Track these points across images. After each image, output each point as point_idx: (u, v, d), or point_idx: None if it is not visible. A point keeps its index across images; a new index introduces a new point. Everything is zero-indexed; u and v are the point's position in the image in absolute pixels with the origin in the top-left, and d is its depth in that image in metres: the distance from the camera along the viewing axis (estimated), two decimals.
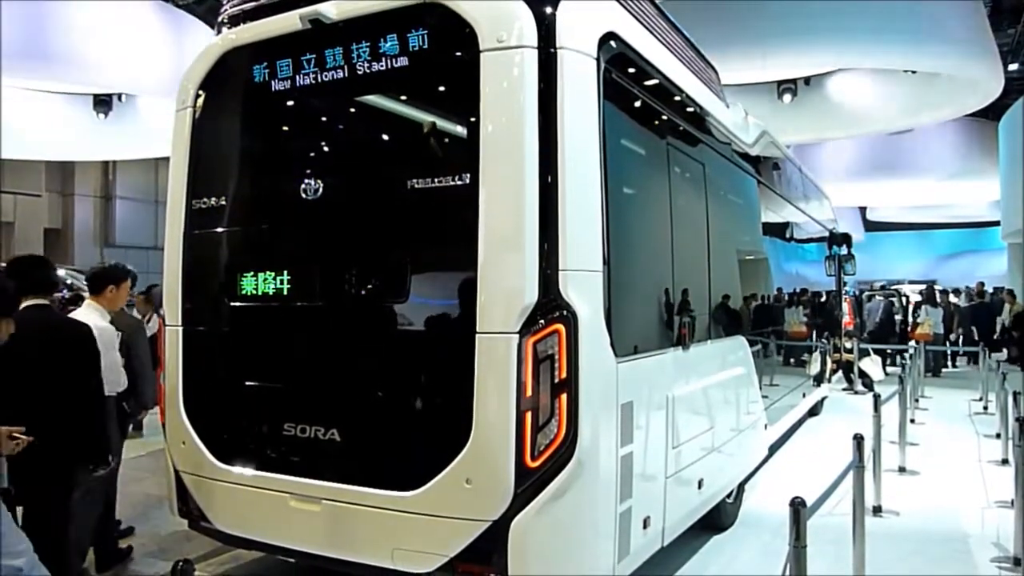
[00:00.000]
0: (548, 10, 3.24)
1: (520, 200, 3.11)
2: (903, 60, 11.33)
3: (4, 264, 4.26)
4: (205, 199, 4.02)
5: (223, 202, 3.98)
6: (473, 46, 3.23)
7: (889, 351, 15.56)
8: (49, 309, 3.90)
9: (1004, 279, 22.09)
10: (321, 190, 3.65)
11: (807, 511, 3.07)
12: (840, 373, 12.25)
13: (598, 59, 3.43)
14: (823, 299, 10.17)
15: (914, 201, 26.57)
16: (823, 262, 10.39)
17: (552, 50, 3.21)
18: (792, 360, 8.20)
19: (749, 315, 6.13)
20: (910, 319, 16.82)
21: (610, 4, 3.79)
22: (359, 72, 3.56)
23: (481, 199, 3.17)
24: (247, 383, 3.89)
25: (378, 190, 3.63)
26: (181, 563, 2.28)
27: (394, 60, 3.47)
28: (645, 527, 3.75)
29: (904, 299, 18.07)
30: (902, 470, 7.23)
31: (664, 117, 4.40)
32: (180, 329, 4.05)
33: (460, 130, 3.41)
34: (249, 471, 3.77)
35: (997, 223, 23.69)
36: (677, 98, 4.58)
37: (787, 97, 13.17)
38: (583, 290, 3.20)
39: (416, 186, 3.39)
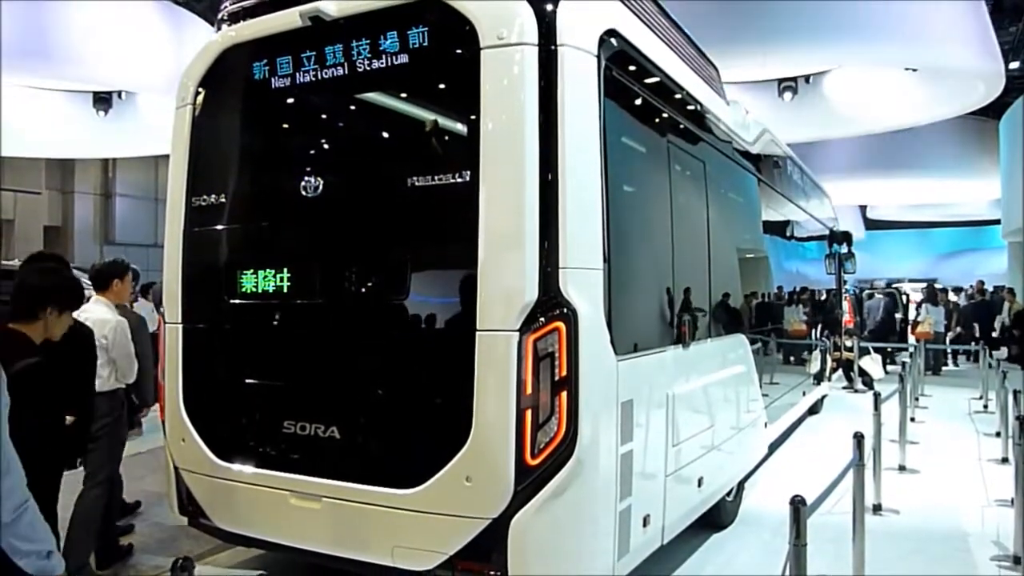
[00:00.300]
0: (549, 7, 3.24)
1: (520, 198, 3.11)
2: (904, 58, 11.31)
3: (17, 261, 4.36)
4: (205, 196, 4.01)
5: (223, 199, 3.98)
6: (473, 43, 3.22)
7: (889, 349, 15.56)
8: None
9: (1004, 278, 22.09)
10: (321, 188, 3.65)
11: (807, 509, 3.07)
12: (840, 371, 12.25)
13: (599, 56, 3.43)
14: (823, 297, 10.17)
15: (914, 199, 26.54)
16: (823, 260, 10.39)
17: (553, 47, 3.20)
18: (792, 358, 8.20)
19: (749, 313, 6.13)
20: (910, 317, 16.82)
21: (611, 2, 3.79)
22: (359, 69, 3.56)
23: (481, 197, 3.17)
24: (247, 380, 3.89)
25: (378, 188, 3.63)
26: (181, 560, 2.28)
27: (394, 57, 3.46)
28: (645, 525, 3.75)
29: (904, 297, 18.05)
30: (902, 468, 7.23)
31: (665, 115, 4.39)
32: (180, 327, 4.05)
33: (460, 128, 3.41)
34: (249, 468, 3.76)
35: (997, 222, 23.69)
36: (678, 96, 4.57)
37: (788, 95, 13.16)
38: (583, 288, 3.20)
39: (416, 184, 3.38)
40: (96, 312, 4.54)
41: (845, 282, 11.94)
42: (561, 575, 3.19)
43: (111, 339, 4.54)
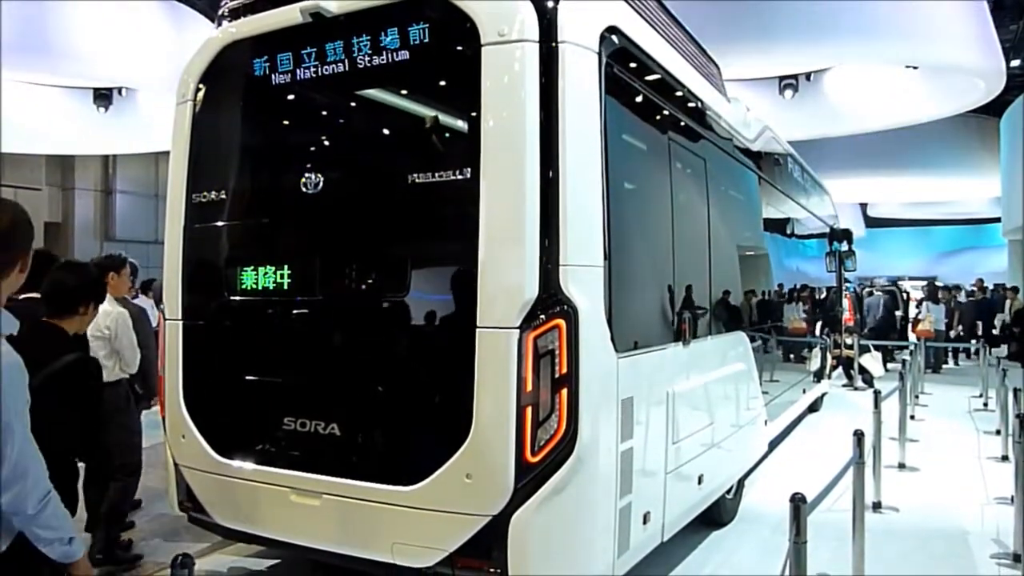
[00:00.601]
0: (549, 4, 3.23)
1: (521, 195, 3.11)
2: (905, 56, 11.30)
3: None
4: (205, 193, 4.01)
5: (223, 196, 3.97)
6: (474, 40, 3.21)
7: (889, 347, 15.56)
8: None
9: (1004, 276, 22.09)
10: (321, 184, 3.65)
11: (807, 507, 3.08)
12: (840, 369, 12.25)
13: (599, 53, 3.42)
14: (824, 295, 10.17)
15: (915, 197, 26.53)
16: (824, 258, 10.38)
17: (553, 44, 3.19)
18: (792, 356, 8.20)
19: (750, 311, 6.12)
20: (911, 315, 16.81)
21: None
22: (360, 66, 3.55)
23: (482, 194, 3.16)
24: (247, 377, 3.89)
25: (379, 184, 3.62)
26: (180, 557, 2.28)
27: (395, 54, 3.45)
28: (645, 522, 3.75)
29: (904, 295, 18.04)
30: (902, 466, 7.23)
31: (665, 112, 4.39)
32: (180, 323, 4.05)
33: (461, 125, 3.40)
34: (249, 465, 3.76)
35: (998, 220, 23.69)
36: (679, 93, 4.56)
37: (789, 93, 13.14)
38: (584, 285, 3.20)
39: (417, 180, 3.38)
40: None
41: (846, 280, 11.93)
42: (561, 572, 3.19)
43: (113, 329, 4.65)
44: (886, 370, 13.00)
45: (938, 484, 6.82)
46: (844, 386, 12.50)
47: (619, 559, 3.49)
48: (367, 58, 3.53)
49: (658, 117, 4.32)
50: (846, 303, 12.31)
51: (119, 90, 14.21)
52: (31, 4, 10.40)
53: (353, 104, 3.82)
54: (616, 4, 3.80)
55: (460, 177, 3.26)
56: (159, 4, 12.46)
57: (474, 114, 3.23)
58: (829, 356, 10.21)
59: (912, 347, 13.38)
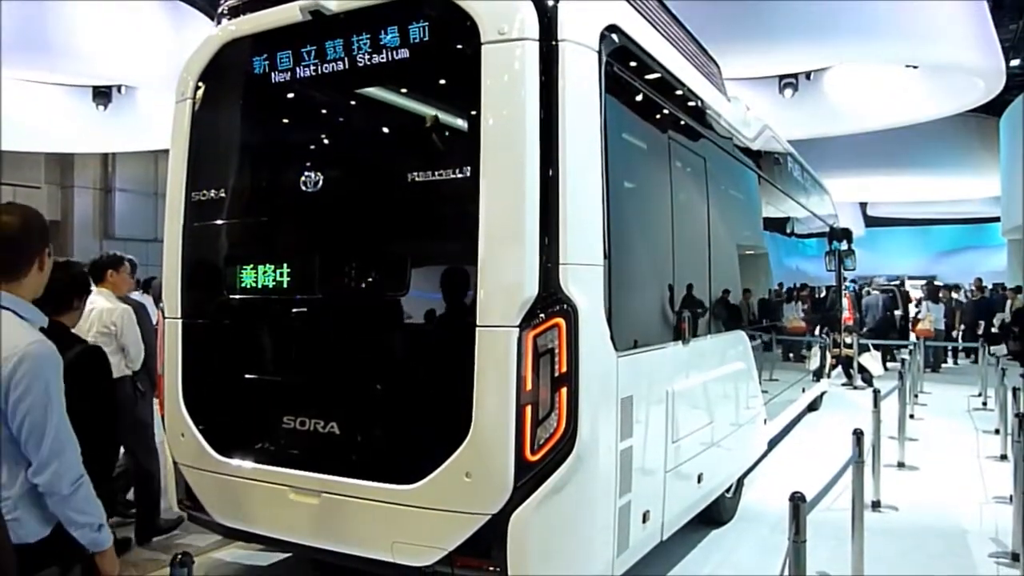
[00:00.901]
0: (550, 3, 3.22)
1: (521, 193, 3.10)
2: (905, 55, 11.30)
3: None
4: (205, 191, 4.00)
5: (223, 194, 3.97)
6: (474, 39, 3.21)
7: (889, 346, 15.57)
8: None
9: (1004, 275, 22.11)
10: (321, 183, 3.64)
11: (806, 506, 3.08)
12: (840, 368, 12.25)
13: (600, 52, 3.41)
14: (823, 294, 10.17)
15: (914, 196, 26.54)
16: (823, 257, 10.38)
17: (553, 43, 3.19)
18: (792, 355, 8.20)
19: (749, 310, 6.13)
20: (910, 314, 16.81)
21: None
22: (359, 64, 3.55)
23: (482, 192, 3.16)
24: (247, 376, 3.89)
25: (378, 183, 3.62)
26: (180, 555, 2.28)
27: (395, 52, 3.45)
28: (644, 521, 3.75)
29: (904, 294, 18.03)
30: (901, 465, 7.24)
31: (665, 111, 4.39)
32: (179, 322, 4.04)
33: (461, 123, 3.40)
34: (248, 464, 3.76)
35: (997, 219, 23.71)
36: (679, 92, 4.56)
37: (788, 92, 13.14)
38: (583, 284, 3.19)
39: (416, 179, 3.38)
40: (100, 303, 4.75)
41: (845, 279, 11.93)
42: (561, 571, 3.19)
43: (119, 325, 4.69)
44: (885, 369, 13.01)
45: (937, 483, 6.82)
46: (843, 385, 12.51)
47: (618, 558, 3.49)
48: (367, 56, 3.52)
49: (658, 116, 4.32)
50: (845, 302, 12.31)
51: (118, 88, 14.20)
52: (31, 3, 10.39)
53: (353, 102, 3.82)
54: (616, 3, 3.79)
55: (460, 176, 3.25)
56: (159, 2, 12.45)
57: (474, 113, 3.22)
58: (828, 355, 10.22)
59: (911, 346, 13.39)
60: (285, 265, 3.75)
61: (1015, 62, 18.83)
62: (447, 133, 3.48)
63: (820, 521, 4.91)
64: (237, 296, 3.90)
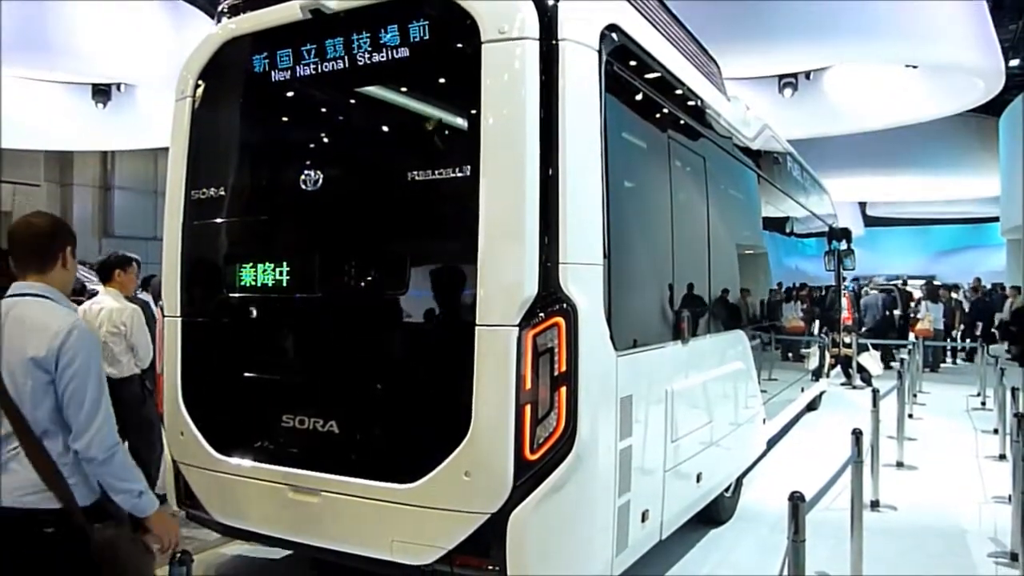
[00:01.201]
0: (550, 2, 3.22)
1: (520, 193, 3.10)
2: (904, 55, 11.30)
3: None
4: (204, 190, 4.00)
5: (222, 193, 3.97)
6: (474, 38, 3.21)
7: (888, 346, 15.58)
8: None
9: (1003, 275, 22.12)
10: (321, 181, 3.64)
11: (806, 505, 3.08)
12: (839, 368, 12.26)
13: (600, 51, 3.41)
14: (822, 294, 10.17)
15: (914, 196, 26.54)
16: (823, 257, 10.38)
17: (554, 42, 3.19)
18: (791, 355, 8.21)
19: (749, 309, 6.13)
20: (910, 314, 16.81)
21: None
22: (359, 63, 3.54)
23: (481, 191, 3.16)
24: (246, 374, 3.89)
25: (378, 182, 3.62)
26: (179, 554, 2.28)
27: (395, 51, 3.45)
28: (644, 520, 3.76)
29: (903, 294, 18.03)
30: (900, 465, 7.24)
31: (665, 110, 4.39)
32: (179, 320, 4.04)
33: (461, 122, 3.40)
34: (248, 462, 3.76)
35: (996, 219, 23.70)
36: (678, 91, 4.56)
37: (788, 91, 13.13)
38: (583, 283, 3.19)
39: (416, 178, 3.37)
40: (109, 302, 4.83)
41: (844, 279, 11.93)
42: (560, 570, 3.19)
43: (130, 325, 4.71)
44: (888, 367, 13.00)
45: (936, 483, 6.83)
46: (843, 385, 12.51)
47: (617, 557, 3.49)
48: (367, 55, 3.52)
49: (658, 115, 4.32)
50: (845, 302, 12.32)
51: (118, 86, 14.17)
52: (31, 2, 10.37)
53: (353, 101, 3.82)
54: (616, 2, 3.79)
55: (460, 175, 3.25)
56: (159, 1, 12.44)
57: (474, 112, 3.22)
58: (828, 355, 10.22)
59: (910, 346, 13.40)
60: (284, 264, 3.75)
61: (1015, 62, 18.84)
62: (447, 132, 3.48)
63: (819, 521, 4.92)
64: (237, 295, 3.90)
